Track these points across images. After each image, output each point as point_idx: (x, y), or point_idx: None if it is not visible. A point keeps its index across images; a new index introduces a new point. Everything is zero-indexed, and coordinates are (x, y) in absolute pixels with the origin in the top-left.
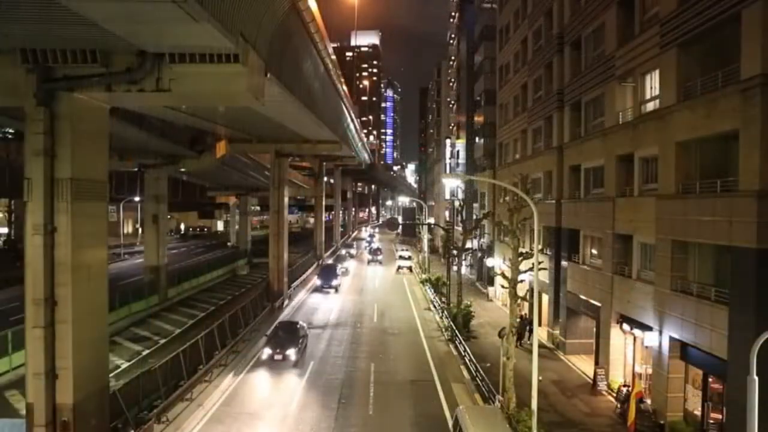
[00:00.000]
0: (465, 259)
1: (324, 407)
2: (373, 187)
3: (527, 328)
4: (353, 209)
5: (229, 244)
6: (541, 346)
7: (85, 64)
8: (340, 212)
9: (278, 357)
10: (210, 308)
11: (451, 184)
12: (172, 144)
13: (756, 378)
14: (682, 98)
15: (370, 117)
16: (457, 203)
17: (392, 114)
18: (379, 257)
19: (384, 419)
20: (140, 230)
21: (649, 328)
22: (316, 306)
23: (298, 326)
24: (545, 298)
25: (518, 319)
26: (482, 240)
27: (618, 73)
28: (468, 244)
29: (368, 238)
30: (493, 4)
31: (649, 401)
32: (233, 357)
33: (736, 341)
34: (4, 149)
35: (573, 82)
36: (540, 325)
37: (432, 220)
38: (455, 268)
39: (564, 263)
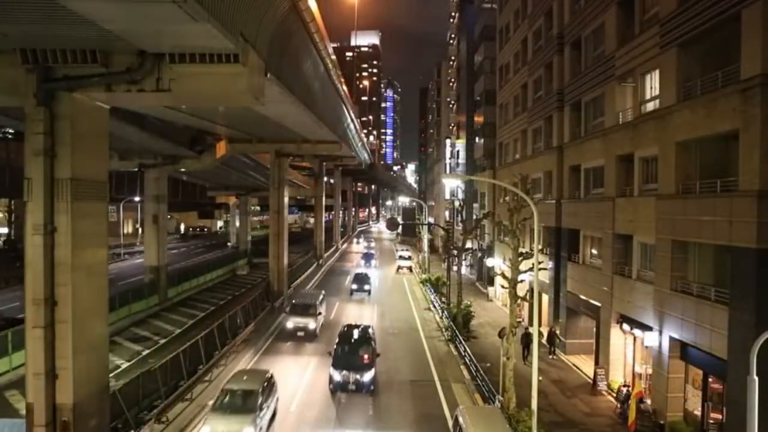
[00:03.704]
0: (465, 259)
1: (325, 407)
2: (373, 187)
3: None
4: (353, 209)
5: (229, 244)
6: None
7: (85, 64)
8: (340, 212)
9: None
10: (210, 308)
11: (451, 184)
12: (172, 144)
13: (756, 378)
14: (682, 98)
15: (370, 117)
16: (457, 203)
17: (392, 114)
18: (367, 377)
19: (384, 419)
20: (140, 230)
21: (649, 328)
22: None
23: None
24: (545, 298)
25: (519, 321)
26: (482, 240)
27: (618, 73)
28: (468, 244)
29: (362, 262)
30: (493, 4)
31: (649, 401)
32: (233, 357)
33: (736, 341)
34: (4, 149)
35: (573, 82)
36: (540, 325)
37: (432, 220)
38: (455, 268)
39: (564, 263)
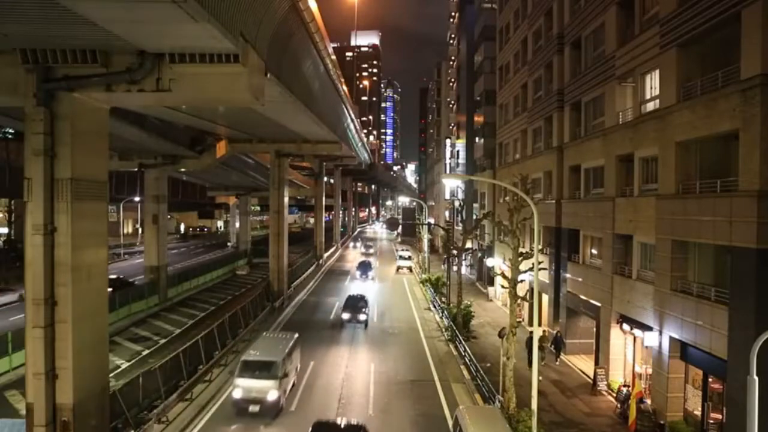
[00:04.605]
0: (465, 259)
1: (325, 407)
2: (373, 187)
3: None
4: (353, 209)
5: (229, 244)
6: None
7: (85, 64)
8: (340, 212)
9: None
10: (210, 308)
11: (451, 184)
12: (172, 144)
13: (756, 378)
14: (682, 98)
15: (370, 117)
16: (457, 203)
17: (392, 114)
18: None
19: (384, 419)
20: (140, 230)
21: (649, 328)
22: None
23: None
24: (545, 298)
25: (519, 321)
26: (482, 240)
27: (618, 73)
28: (468, 244)
29: (358, 273)
30: (493, 4)
31: (649, 401)
32: (233, 357)
33: (736, 341)
34: (4, 149)
35: (573, 82)
36: (540, 325)
37: (432, 220)
38: (455, 268)
39: (564, 263)
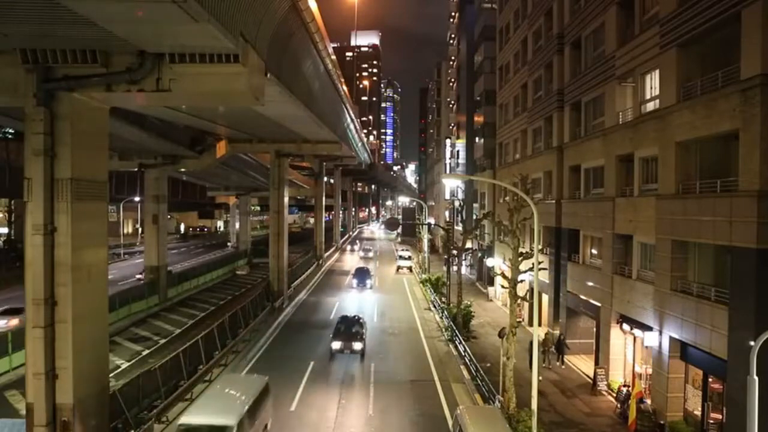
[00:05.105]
0: (465, 259)
1: (325, 407)
2: (373, 187)
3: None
4: (353, 209)
5: (229, 244)
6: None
7: (85, 64)
8: (340, 212)
9: None
10: (210, 308)
11: (451, 184)
12: (172, 144)
13: (756, 378)
14: (682, 98)
15: (370, 117)
16: (457, 203)
17: (392, 114)
18: None
19: (384, 419)
20: (140, 230)
21: (649, 328)
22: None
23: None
24: (545, 298)
25: (519, 321)
26: (482, 240)
27: (618, 73)
28: (468, 244)
29: (354, 282)
30: (493, 4)
31: (649, 401)
32: (233, 357)
33: (736, 341)
34: (4, 149)
35: (573, 82)
36: (540, 325)
37: (432, 220)
38: (455, 268)
39: (564, 263)
